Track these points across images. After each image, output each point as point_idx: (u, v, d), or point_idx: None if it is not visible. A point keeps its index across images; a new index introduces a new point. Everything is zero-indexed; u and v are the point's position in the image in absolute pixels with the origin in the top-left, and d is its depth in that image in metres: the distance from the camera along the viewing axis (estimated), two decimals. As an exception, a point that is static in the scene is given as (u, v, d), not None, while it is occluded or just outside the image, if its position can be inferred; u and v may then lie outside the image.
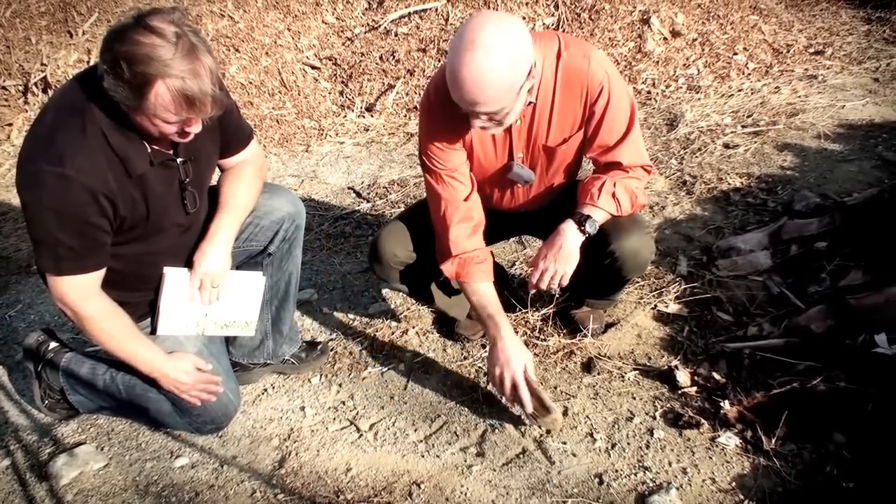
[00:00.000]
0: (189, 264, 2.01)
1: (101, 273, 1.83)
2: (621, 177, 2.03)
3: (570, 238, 1.98)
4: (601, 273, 2.19)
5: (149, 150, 1.76)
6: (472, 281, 2.13)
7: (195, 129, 1.69)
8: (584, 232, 1.98)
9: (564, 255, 1.98)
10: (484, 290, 2.14)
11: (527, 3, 5.30)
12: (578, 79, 1.94)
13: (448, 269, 2.16)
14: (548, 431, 2.10)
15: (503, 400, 2.18)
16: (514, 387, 2.03)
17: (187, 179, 1.90)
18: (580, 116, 2.01)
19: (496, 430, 2.14)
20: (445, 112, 1.94)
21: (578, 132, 2.05)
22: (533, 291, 2.01)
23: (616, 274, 2.19)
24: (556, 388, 2.28)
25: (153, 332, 2.06)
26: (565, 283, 2.03)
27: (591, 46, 2.01)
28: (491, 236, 2.55)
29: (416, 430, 2.18)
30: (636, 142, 2.05)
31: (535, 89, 1.94)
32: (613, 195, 2.00)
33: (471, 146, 2.09)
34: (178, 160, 1.85)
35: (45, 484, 2.05)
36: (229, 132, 2.00)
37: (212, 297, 2.04)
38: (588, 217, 1.98)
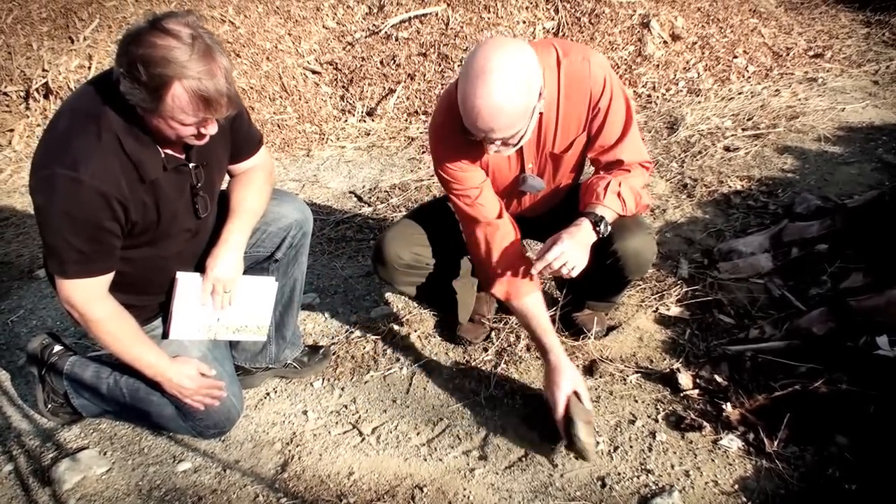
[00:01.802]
0: (201, 269, 2.01)
1: (110, 277, 1.83)
2: (625, 176, 2.03)
3: (587, 234, 1.94)
4: (603, 273, 2.19)
5: (162, 156, 1.78)
6: (522, 297, 2.11)
7: (211, 130, 1.70)
8: (598, 233, 1.96)
9: (581, 247, 1.92)
10: (534, 309, 2.10)
11: (527, 7, 5.32)
12: (581, 82, 1.95)
13: (498, 291, 2.14)
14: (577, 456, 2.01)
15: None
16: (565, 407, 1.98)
17: (199, 184, 1.90)
18: (584, 118, 2.02)
19: (499, 434, 2.15)
20: (457, 133, 1.92)
21: (582, 134, 2.05)
22: (536, 270, 1.95)
23: (618, 274, 2.19)
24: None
25: (165, 336, 2.06)
26: (574, 274, 1.93)
27: (587, 48, 2.02)
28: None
29: (418, 434, 2.18)
30: (635, 139, 2.05)
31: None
32: (619, 195, 1.99)
33: (487, 163, 2.09)
34: (191, 165, 1.86)
35: (48, 489, 2.05)
36: (240, 138, 2.01)
37: (224, 303, 2.04)
38: (602, 218, 1.96)
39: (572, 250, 1.90)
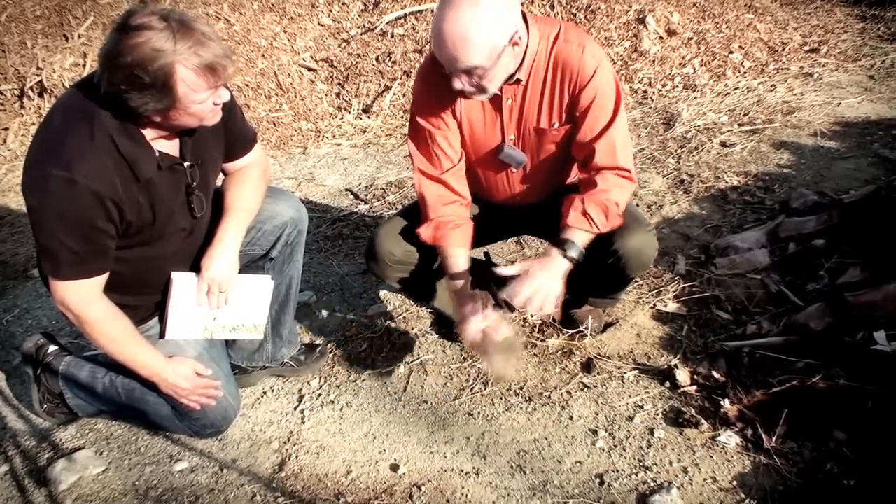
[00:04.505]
0: (196, 269, 2.00)
1: (105, 277, 1.82)
2: (592, 193, 1.98)
3: (559, 265, 1.92)
4: (605, 272, 2.18)
5: (157, 155, 1.76)
6: (448, 245, 2.11)
7: (224, 95, 1.72)
8: (570, 259, 1.93)
9: (555, 278, 1.91)
10: (457, 260, 2.11)
11: (522, 3, 5.30)
12: (570, 65, 1.95)
13: (425, 232, 2.15)
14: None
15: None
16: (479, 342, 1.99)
17: (194, 183, 1.89)
18: (568, 103, 2.01)
19: (497, 432, 2.14)
20: (439, 80, 1.96)
21: (568, 120, 2.04)
22: (511, 311, 1.93)
23: (620, 272, 2.18)
24: (556, 388, 2.28)
25: (161, 336, 2.05)
26: (549, 310, 1.92)
27: (590, 39, 2.00)
28: (489, 235, 2.55)
29: (416, 432, 2.18)
30: (612, 143, 1.99)
31: (528, 69, 1.95)
32: (584, 212, 1.95)
33: (461, 124, 2.10)
34: (186, 164, 1.85)
35: (44, 489, 2.04)
36: (234, 136, 2.00)
37: (220, 302, 2.03)
38: (568, 241, 1.93)
39: (546, 284, 1.89)
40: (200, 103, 1.66)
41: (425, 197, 2.15)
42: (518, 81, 1.97)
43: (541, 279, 1.89)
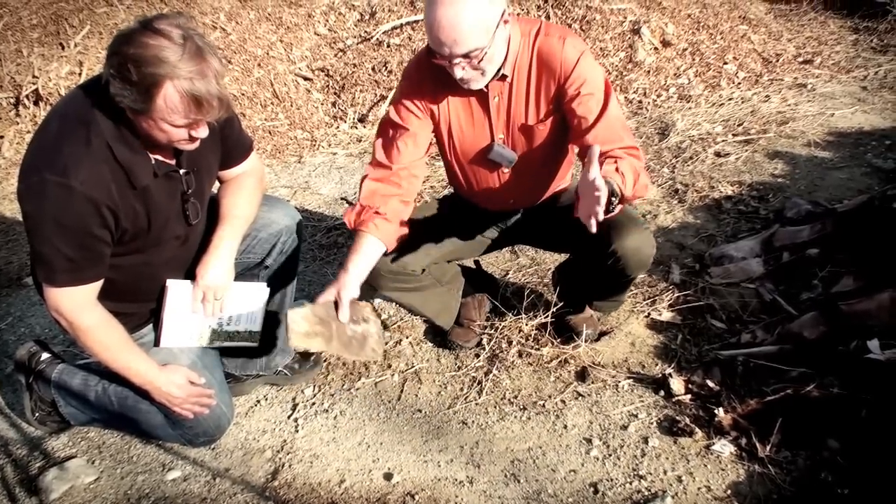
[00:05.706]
0: (191, 276, 2.00)
1: (99, 284, 1.82)
2: (621, 158, 1.89)
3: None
4: (605, 274, 2.18)
5: (153, 162, 1.76)
6: (365, 229, 2.03)
7: (202, 132, 1.69)
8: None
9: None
10: (365, 245, 2.03)
11: (517, 14, 5.33)
12: (552, 58, 1.97)
13: (348, 216, 2.10)
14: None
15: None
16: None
17: (190, 191, 1.89)
18: (553, 95, 2.02)
19: (491, 441, 2.14)
20: (424, 81, 1.99)
21: (554, 112, 2.05)
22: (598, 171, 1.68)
23: (620, 273, 2.18)
24: (550, 397, 2.28)
25: (156, 343, 2.05)
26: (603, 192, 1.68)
27: (571, 32, 2.04)
28: (484, 245, 2.54)
29: (410, 441, 2.17)
30: (613, 126, 1.97)
31: (512, 65, 1.97)
32: (617, 170, 1.83)
33: (450, 127, 2.11)
34: (181, 171, 1.85)
35: (35, 498, 2.03)
36: (230, 143, 2.01)
37: (215, 310, 2.03)
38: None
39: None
40: (174, 126, 1.64)
41: (363, 187, 2.11)
42: (504, 77, 1.98)
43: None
